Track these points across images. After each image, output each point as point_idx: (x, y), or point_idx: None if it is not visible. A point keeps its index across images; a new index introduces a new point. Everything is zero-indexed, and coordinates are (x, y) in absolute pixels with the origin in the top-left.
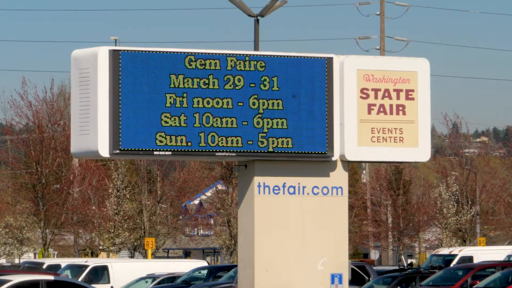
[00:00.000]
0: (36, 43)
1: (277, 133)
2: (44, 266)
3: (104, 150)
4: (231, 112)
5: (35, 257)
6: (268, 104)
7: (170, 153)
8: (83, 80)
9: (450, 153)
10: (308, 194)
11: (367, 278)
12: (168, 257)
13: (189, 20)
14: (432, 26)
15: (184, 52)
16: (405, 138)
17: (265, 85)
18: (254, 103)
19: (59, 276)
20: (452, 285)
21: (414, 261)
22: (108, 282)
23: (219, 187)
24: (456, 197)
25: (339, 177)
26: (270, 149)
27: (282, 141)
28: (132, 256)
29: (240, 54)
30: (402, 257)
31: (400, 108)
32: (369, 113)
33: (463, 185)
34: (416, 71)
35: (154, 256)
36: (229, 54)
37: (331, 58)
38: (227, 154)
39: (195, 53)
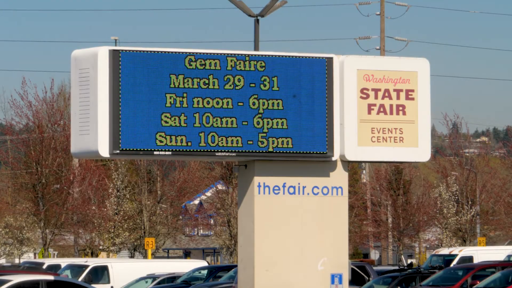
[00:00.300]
0: (36, 43)
1: (277, 133)
2: (44, 266)
3: (104, 150)
4: (231, 112)
5: (35, 257)
6: (268, 104)
7: (170, 153)
8: (83, 80)
9: (450, 153)
10: (308, 194)
11: (367, 278)
12: (168, 257)
13: (189, 20)
14: (432, 26)
15: (184, 52)
16: (405, 138)
17: (265, 85)
18: (254, 103)
19: (59, 276)
20: (452, 285)
21: (414, 261)
22: (108, 282)
23: (219, 187)
24: (456, 197)
25: (339, 177)
26: (270, 149)
27: (282, 141)
28: (132, 256)
29: (240, 54)
30: (402, 257)
31: (400, 108)
32: (369, 113)
33: (463, 185)
34: (416, 71)
35: (154, 256)
36: (229, 54)
37: (331, 58)
38: (227, 154)
39: (195, 53)
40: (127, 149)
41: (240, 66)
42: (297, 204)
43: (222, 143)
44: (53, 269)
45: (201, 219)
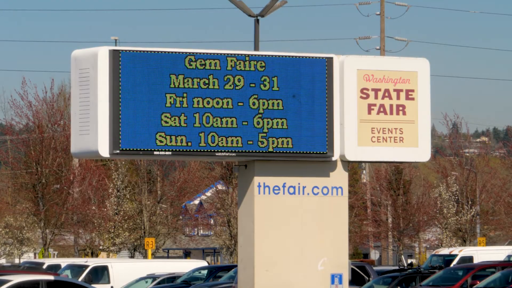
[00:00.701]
0: (36, 43)
1: (277, 133)
2: (44, 266)
3: (104, 150)
4: (231, 112)
5: (35, 257)
6: (268, 104)
7: (170, 153)
8: (83, 80)
9: (450, 153)
10: (308, 194)
11: (367, 278)
12: (168, 257)
13: (189, 20)
14: (432, 26)
15: (184, 52)
16: (405, 138)
17: (265, 85)
18: (254, 103)
19: (59, 276)
20: (452, 285)
21: (414, 261)
22: (108, 282)
23: (219, 187)
24: (456, 197)
25: (339, 177)
26: (270, 149)
27: (282, 141)
28: (132, 256)
29: (240, 54)
30: (402, 257)
31: (400, 108)
32: (369, 113)
33: (463, 185)
34: (416, 71)
35: (154, 256)
36: (229, 54)
37: (331, 58)
38: (227, 154)
39: (195, 53)
40: (127, 149)
41: (240, 66)
42: (297, 204)
43: (222, 143)
44: (53, 269)
45: (201, 219)
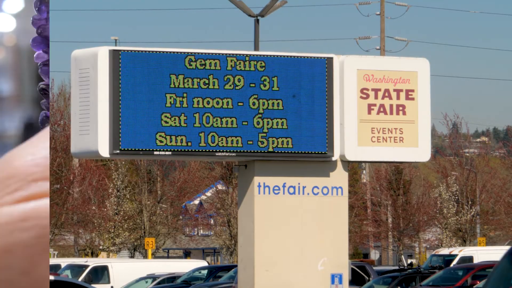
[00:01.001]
0: None
1: (277, 133)
2: None
3: (104, 150)
4: (231, 112)
5: None
6: (268, 104)
7: (170, 153)
8: (83, 80)
9: (450, 153)
10: (308, 194)
11: (367, 278)
12: (168, 257)
13: (189, 20)
14: (432, 26)
15: (184, 52)
16: (405, 138)
17: (265, 85)
18: (254, 103)
19: (59, 276)
20: (452, 285)
21: (414, 261)
22: (108, 282)
23: (219, 187)
24: (456, 197)
25: (339, 177)
26: (270, 149)
27: (282, 141)
28: (132, 256)
29: (240, 54)
30: (402, 257)
31: (400, 108)
32: (369, 113)
33: (463, 185)
34: (416, 71)
35: (154, 256)
36: (229, 54)
37: (331, 58)
38: (227, 154)
39: (195, 53)
40: (127, 149)
41: (240, 66)
42: (297, 204)
43: (222, 143)
44: (53, 269)
45: (201, 219)
